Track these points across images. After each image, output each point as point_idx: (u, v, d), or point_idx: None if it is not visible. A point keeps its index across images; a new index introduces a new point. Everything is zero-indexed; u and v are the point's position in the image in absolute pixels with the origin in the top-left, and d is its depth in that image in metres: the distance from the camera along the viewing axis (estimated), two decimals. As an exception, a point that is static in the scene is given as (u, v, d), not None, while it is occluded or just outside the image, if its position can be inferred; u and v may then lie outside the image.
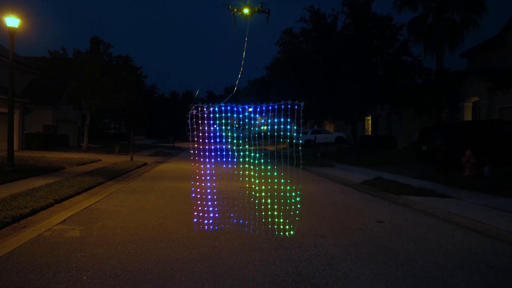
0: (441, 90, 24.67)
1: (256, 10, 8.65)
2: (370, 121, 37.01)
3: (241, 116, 5.98)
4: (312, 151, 24.47)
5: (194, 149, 6.66)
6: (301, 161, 6.39)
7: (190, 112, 5.65)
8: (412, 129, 28.25)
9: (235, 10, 8.60)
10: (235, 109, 5.90)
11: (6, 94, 16.30)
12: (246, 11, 8.52)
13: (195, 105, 5.59)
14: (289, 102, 5.66)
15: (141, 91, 40.25)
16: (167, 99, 68.76)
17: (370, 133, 36.53)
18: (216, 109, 5.87)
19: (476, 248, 5.66)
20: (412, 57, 25.50)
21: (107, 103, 28.24)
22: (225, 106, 5.95)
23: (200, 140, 6.30)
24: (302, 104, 5.56)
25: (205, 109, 5.81)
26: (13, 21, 13.37)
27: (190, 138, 6.29)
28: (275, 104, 5.76)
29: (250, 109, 5.82)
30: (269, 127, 5.94)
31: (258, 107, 5.89)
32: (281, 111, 5.73)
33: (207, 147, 6.73)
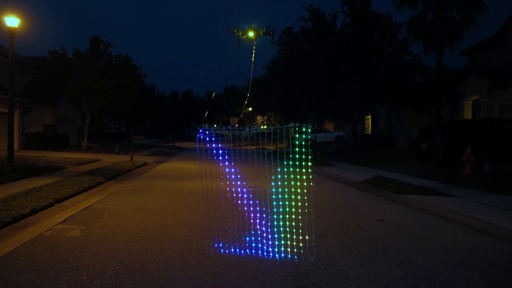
0: (440, 89, 24.67)
1: (261, 33, 8.70)
2: (370, 120, 37.02)
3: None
4: (312, 150, 24.45)
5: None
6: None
7: (198, 135, 5.65)
8: (412, 127, 28.25)
9: (240, 33, 8.63)
10: (242, 130, 5.94)
11: (6, 93, 16.30)
12: (251, 34, 8.56)
13: (202, 129, 5.60)
14: (297, 124, 5.69)
15: (141, 91, 40.24)
16: (167, 98, 68.80)
17: (370, 132, 36.55)
18: (224, 132, 5.88)
19: (476, 247, 5.66)
20: (411, 56, 25.51)
21: (107, 102, 28.22)
22: (233, 128, 5.99)
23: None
24: (310, 125, 5.61)
25: (212, 132, 5.81)
26: (13, 21, 13.36)
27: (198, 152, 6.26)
28: (283, 126, 5.80)
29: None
30: (271, 127, 5.95)
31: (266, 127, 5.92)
32: (289, 132, 5.76)
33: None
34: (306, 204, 8.05)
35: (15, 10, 13.42)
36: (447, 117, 26.18)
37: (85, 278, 4.28)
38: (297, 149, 6.29)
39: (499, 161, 13.80)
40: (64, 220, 7.06)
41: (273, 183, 7.30)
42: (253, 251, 5.30)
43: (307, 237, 5.98)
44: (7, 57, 16.05)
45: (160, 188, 11.25)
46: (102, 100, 27.71)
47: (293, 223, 6.44)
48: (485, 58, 26.34)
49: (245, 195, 7.83)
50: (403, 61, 25.31)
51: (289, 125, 5.70)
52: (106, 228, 6.49)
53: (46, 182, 10.81)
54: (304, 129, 5.49)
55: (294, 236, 5.99)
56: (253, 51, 7.96)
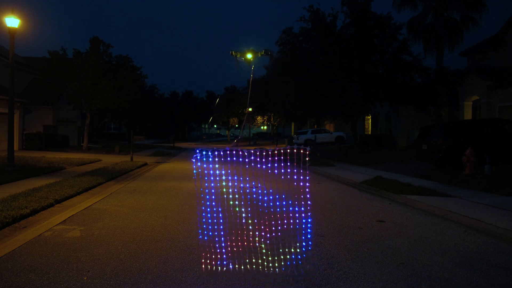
0: (441, 90, 24.67)
1: (260, 55, 8.78)
2: (370, 120, 37.03)
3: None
4: (312, 151, 24.44)
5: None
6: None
7: (195, 156, 5.67)
8: (412, 128, 28.27)
9: (238, 55, 8.69)
10: (240, 155, 5.95)
11: (6, 94, 16.31)
12: (249, 56, 8.62)
13: (199, 154, 5.63)
14: (295, 146, 5.70)
15: (141, 91, 40.24)
16: (167, 99, 68.83)
17: (370, 132, 36.55)
18: (221, 152, 5.89)
19: (476, 247, 5.66)
20: (411, 56, 25.53)
21: (107, 103, 28.23)
22: (230, 151, 6.02)
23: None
24: (308, 148, 5.63)
25: (210, 159, 5.83)
26: (13, 22, 13.36)
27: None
28: (281, 148, 5.82)
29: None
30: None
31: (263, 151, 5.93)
32: (287, 156, 5.75)
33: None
34: (306, 205, 8.03)
35: (15, 11, 13.43)
36: (447, 117, 26.19)
37: (85, 278, 4.28)
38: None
39: (499, 161, 13.81)
40: (64, 220, 7.06)
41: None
42: (253, 251, 5.29)
43: (307, 238, 5.97)
44: (8, 58, 16.07)
45: (160, 189, 11.25)
46: (102, 101, 27.70)
47: (293, 224, 6.43)
48: (485, 59, 26.34)
49: (244, 196, 7.82)
50: (403, 61, 25.32)
51: (286, 147, 5.71)
52: (106, 228, 6.49)
53: (46, 183, 10.81)
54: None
55: (294, 237, 5.99)
56: (251, 75, 8.03)
